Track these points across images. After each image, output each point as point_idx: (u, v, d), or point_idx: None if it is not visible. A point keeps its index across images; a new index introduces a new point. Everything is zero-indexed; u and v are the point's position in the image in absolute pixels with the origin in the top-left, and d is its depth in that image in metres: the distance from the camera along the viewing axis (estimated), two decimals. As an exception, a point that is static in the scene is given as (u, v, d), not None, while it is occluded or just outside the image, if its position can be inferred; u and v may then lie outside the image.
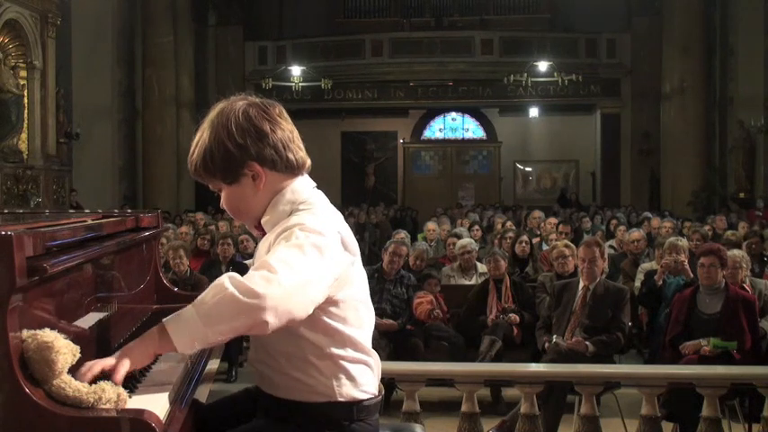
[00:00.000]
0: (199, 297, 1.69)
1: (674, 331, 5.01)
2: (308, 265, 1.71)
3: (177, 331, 1.66)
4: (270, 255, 1.73)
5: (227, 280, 1.66)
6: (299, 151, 1.92)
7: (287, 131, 1.90)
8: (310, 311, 1.74)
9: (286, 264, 1.68)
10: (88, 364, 1.68)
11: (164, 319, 1.70)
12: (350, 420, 1.86)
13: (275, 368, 1.86)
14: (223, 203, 1.94)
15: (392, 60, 20.70)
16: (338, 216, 1.92)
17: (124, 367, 1.66)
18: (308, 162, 1.95)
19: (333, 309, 1.83)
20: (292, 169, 1.91)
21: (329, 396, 1.85)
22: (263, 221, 1.91)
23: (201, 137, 1.89)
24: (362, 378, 1.89)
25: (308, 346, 1.83)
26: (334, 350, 1.84)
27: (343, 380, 1.85)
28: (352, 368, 1.87)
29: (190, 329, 1.66)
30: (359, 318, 1.89)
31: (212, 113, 1.90)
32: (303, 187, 1.92)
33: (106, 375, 1.65)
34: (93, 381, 1.63)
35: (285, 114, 1.94)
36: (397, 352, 5.65)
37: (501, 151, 23.59)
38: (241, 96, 1.93)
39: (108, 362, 1.68)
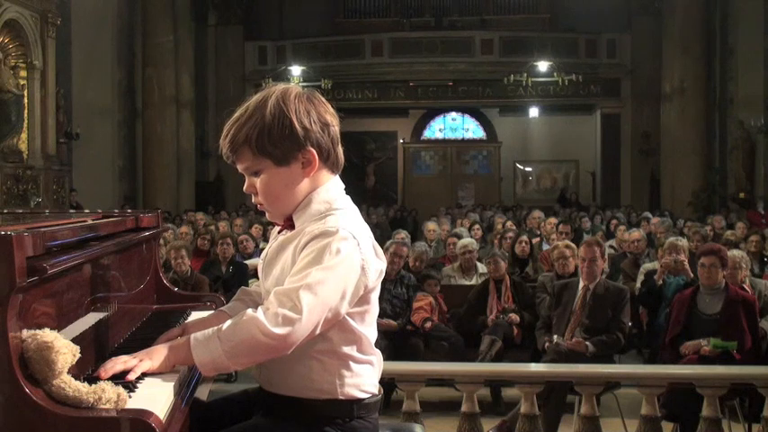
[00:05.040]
0: (226, 330, 1.74)
1: (674, 331, 5.00)
2: (335, 288, 1.74)
3: (203, 359, 1.75)
4: (299, 278, 1.74)
5: (252, 324, 1.71)
6: (342, 151, 1.94)
7: (338, 129, 1.92)
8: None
9: (312, 294, 1.72)
10: (110, 362, 1.74)
11: (191, 340, 1.76)
12: (350, 418, 1.87)
13: (278, 364, 1.85)
14: (260, 187, 1.86)
15: (392, 60, 20.70)
16: (365, 224, 1.92)
17: (142, 369, 1.74)
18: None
19: (356, 308, 1.84)
20: (336, 166, 1.92)
21: (331, 393, 1.85)
22: (294, 215, 1.88)
23: (256, 113, 1.82)
24: (365, 377, 1.89)
25: (317, 343, 1.83)
26: (344, 348, 1.85)
27: (347, 378, 1.85)
28: (357, 367, 1.87)
29: (214, 360, 1.75)
30: (372, 316, 1.91)
31: (271, 93, 1.85)
32: (338, 188, 1.93)
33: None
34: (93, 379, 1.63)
35: None
36: (397, 352, 5.65)
37: (501, 151, 23.58)
38: (293, 85, 1.92)
39: (130, 363, 1.75)
